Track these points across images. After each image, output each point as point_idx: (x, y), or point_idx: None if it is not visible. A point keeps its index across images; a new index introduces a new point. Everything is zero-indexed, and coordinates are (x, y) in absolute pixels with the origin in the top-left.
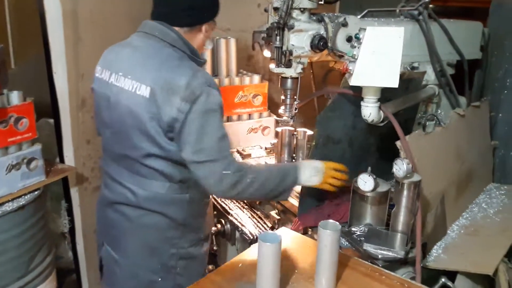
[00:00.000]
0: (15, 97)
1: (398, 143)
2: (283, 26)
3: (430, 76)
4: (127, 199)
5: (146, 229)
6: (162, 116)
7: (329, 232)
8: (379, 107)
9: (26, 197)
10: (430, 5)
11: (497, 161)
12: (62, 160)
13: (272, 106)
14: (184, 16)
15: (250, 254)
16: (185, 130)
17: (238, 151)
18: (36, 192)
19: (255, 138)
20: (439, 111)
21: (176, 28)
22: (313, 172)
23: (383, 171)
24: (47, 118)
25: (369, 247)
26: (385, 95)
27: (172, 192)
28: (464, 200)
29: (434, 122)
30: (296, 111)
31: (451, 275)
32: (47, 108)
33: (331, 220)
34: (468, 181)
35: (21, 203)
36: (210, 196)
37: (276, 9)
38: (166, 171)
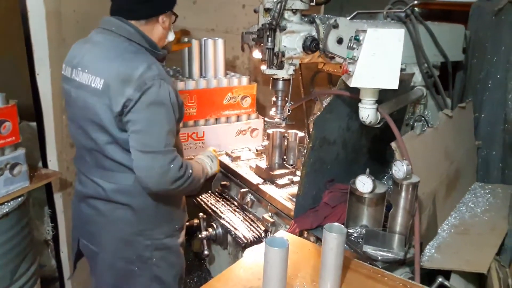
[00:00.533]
0: None
1: (393, 144)
2: (275, 27)
3: (417, 77)
4: (98, 193)
5: (118, 222)
6: (113, 106)
7: (335, 235)
8: (377, 109)
9: (9, 204)
10: (415, 1)
11: (480, 160)
12: (45, 165)
13: (258, 107)
14: (140, 9)
15: (249, 259)
16: (132, 118)
17: (227, 153)
18: (19, 199)
19: (243, 140)
20: (426, 112)
21: (133, 22)
22: (211, 161)
23: (374, 172)
24: (27, 120)
25: (368, 249)
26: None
27: (138, 183)
28: (452, 199)
29: (422, 123)
30: (289, 113)
31: (444, 274)
32: (27, 109)
33: (336, 223)
34: (456, 180)
35: (4, 210)
36: None
37: (267, 10)
38: (127, 163)
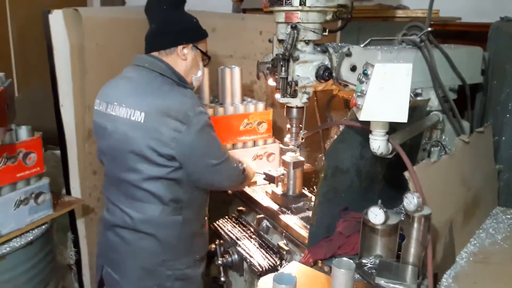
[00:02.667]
0: (23, 132)
1: (406, 174)
2: (288, 58)
3: (433, 102)
4: (125, 222)
5: (142, 251)
6: (158, 137)
7: (343, 271)
8: (388, 140)
9: (34, 231)
10: (429, 28)
11: (501, 184)
12: (68, 192)
13: (275, 130)
14: (157, 41)
15: None
16: (192, 147)
17: None
18: (43, 226)
19: (260, 165)
20: (443, 137)
21: (156, 54)
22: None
23: (390, 198)
24: (51, 145)
25: (381, 281)
26: (390, 124)
27: (166, 214)
28: (471, 226)
29: (439, 148)
30: (303, 141)
31: None
32: (51, 135)
33: (345, 258)
34: (475, 206)
35: (29, 239)
36: (206, 217)
37: (281, 41)
38: (161, 193)
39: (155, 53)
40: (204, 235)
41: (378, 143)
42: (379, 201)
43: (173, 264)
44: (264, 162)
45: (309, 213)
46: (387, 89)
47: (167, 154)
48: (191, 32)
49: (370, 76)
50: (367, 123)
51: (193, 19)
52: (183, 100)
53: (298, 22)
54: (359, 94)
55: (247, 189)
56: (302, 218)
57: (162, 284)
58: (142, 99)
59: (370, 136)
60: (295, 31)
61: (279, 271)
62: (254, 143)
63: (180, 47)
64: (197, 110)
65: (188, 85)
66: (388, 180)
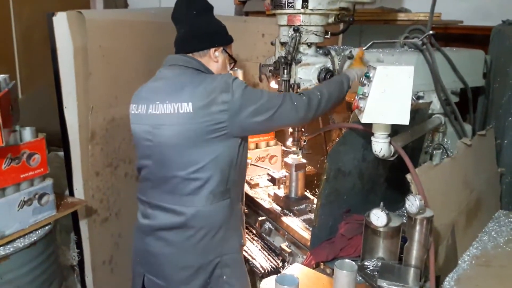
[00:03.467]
0: (27, 134)
1: (408, 177)
2: (290, 60)
3: (435, 105)
4: (172, 222)
5: (191, 250)
6: (210, 117)
7: (346, 273)
8: (390, 142)
9: (37, 232)
10: (431, 31)
11: (504, 187)
12: (71, 193)
13: (278, 133)
14: (190, 43)
15: None
16: (243, 111)
17: (246, 181)
18: (47, 227)
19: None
20: (445, 140)
21: (189, 54)
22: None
23: (392, 200)
24: (54, 147)
25: (383, 283)
26: (392, 127)
27: (216, 201)
28: (474, 229)
29: (441, 151)
30: (305, 143)
31: None
32: (55, 137)
33: (347, 260)
34: (477, 209)
35: (32, 239)
36: (243, 202)
37: (283, 44)
38: (213, 180)
39: (189, 54)
40: (244, 223)
41: (380, 146)
42: (381, 204)
43: (222, 250)
44: (266, 164)
45: (311, 215)
46: (389, 91)
47: (220, 128)
48: (221, 36)
49: (372, 78)
50: (369, 125)
51: (221, 24)
52: (219, 77)
53: (300, 25)
54: (361, 96)
55: (250, 191)
56: (304, 220)
57: (212, 274)
58: (185, 91)
59: (372, 138)
60: (298, 34)
61: (281, 273)
62: (257, 146)
63: (212, 50)
64: (232, 77)
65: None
66: (390, 182)
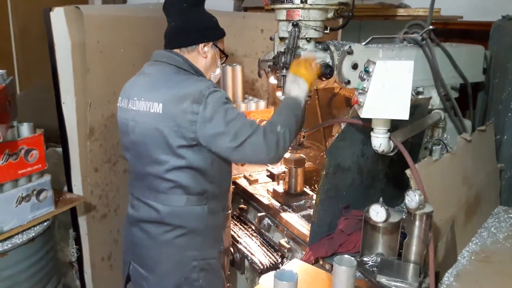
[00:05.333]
0: (25, 129)
1: (408, 172)
2: (289, 56)
3: (435, 100)
4: (151, 217)
5: (168, 245)
6: (179, 124)
7: (345, 268)
8: (389, 138)
9: (35, 228)
10: (430, 26)
11: (503, 183)
12: (70, 189)
13: None
14: (180, 38)
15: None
16: (208, 127)
17: (245, 177)
18: (45, 223)
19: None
20: (445, 135)
21: (177, 51)
22: (296, 82)
23: (392, 196)
24: (52, 143)
25: (382, 279)
26: (392, 122)
27: (191, 204)
28: (473, 224)
29: (440, 146)
30: (304, 139)
31: None
32: (53, 133)
33: (346, 256)
34: (476, 205)
35: (31, 235)
36: (229, 210)
37: (282, 38)
38: (185, 183)
39: (176, 50)
40: (228, 227)
41: (380, 141)
42: (381, 199)
43: (199, 255)
44: None
45: (311, 211)
46: (388, 86)
47: (190, 139)
48: (211, 30)
49: (371, 73)
50: (369, 120)
51: (213, 18)
52: (197, 83)
53: (299, 20)
54: (360, 91)
55: (249, 187)
56: (303, 216)
57: (188, 276)
58: (159, 91)
59: (372, 133)
60: (297, 29)
61: (280, 269)
62: None
63: (201, 45)
64: (212, 89)
65: (205, 78)
66: (390, 178)
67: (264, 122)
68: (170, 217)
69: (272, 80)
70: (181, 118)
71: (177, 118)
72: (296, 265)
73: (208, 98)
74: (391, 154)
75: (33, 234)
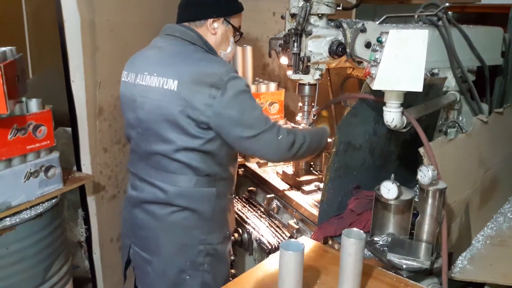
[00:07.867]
0: (33, 105)
1: (421, 150)
2: (301, 32)
3: (450, 82)
4: (157, 197)
5: (175, 226)
6: (193, 105)
7: (353, 240)
8: (402, 113)
9: (44, 204)
10: (446, 3)
11: None
12: (79, 169)
13: (288, 114)
14: (189, 11)
15: (269, 264)
16: (225, 114)
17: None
18: (53, 200)
19: None
20: (460, 118)
21: (187, 24)
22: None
23: (404, 179)
24: (64, 127)
25: (392, 257)
26: (405, 100)
27: (200, 185)
28: (488, 209)
29: (455, 129)
30: (315, 118)
31: (476, 286)
32: (65, 117)
33: (355, 229)
34: (492, 189)
35: (39, 211)
36: (233, 193)
37: (293, 15)
38: (194, 164)
39: (186, 24)
40: (233, 211)
41: (392, 115)
42: (392, 176)
43: (206, 239)
44: None
45: (320, 194)
46: (402, 56)
47: (202, 122)
48: (223, 5)
49: (384, 43)
50: (381, 94)
51: None
52: (216, 66)
53: None
54: (373, 63)
55: (258, 170)
56: (313, 198)
57: (194, 260)
58: (174, 67)
59: (384, 108)
60: (308, 4)
61: (284, 241)
62: None
63: (210, 20)
64: (232, 75)
65: (217, 56)
66: (403, 160)
67: (280, 123)
68: (178, 198)
69: (283, 60)
70: (197, 100)
71: (192, 99)
72: (304, 242)
73: (228, 84)
74: (404, 130)
75: (41, 210)
